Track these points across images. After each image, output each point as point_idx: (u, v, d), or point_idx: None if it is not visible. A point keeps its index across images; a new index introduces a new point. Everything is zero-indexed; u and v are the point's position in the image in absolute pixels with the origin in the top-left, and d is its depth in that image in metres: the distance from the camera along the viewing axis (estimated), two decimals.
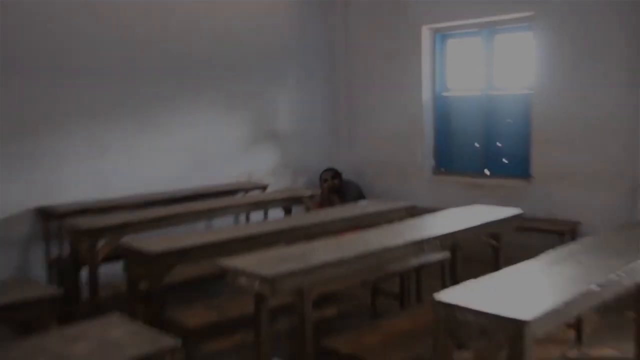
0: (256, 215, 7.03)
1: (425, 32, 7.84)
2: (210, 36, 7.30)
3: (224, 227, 6.24)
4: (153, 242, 4.55)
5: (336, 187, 7.90)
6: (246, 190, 7.29)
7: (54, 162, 6.20)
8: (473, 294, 3.03)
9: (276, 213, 6.88)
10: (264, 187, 7.45)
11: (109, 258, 5.31)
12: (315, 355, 3.73)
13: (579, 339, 5.04)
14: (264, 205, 6.72)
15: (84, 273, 5.47)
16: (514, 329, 2.71)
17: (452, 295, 3.04)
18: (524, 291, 3.14)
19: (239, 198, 6.91)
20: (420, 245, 4.30)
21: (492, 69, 7.48)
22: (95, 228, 5.19)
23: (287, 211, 6.80)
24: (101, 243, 5.24)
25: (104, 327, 2.91)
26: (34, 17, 5.98)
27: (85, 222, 5.37)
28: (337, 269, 3.81)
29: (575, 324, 5.02)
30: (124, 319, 3.01)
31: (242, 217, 7.19)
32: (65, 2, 6.16)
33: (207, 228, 6.85)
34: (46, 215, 6.05)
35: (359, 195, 7.80)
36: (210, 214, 6.19)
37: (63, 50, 6.19)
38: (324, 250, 4.00)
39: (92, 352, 2.62)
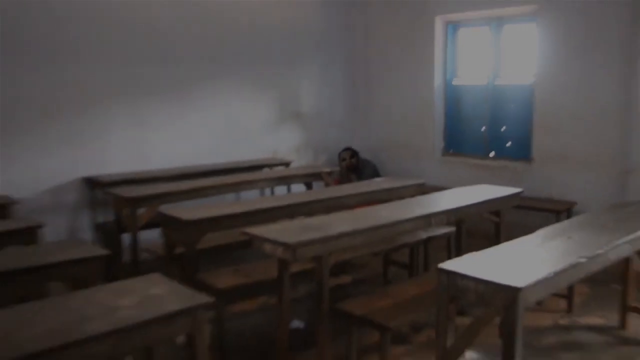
0: (280, 190, 7.06)
1: (438, 22, 7.80)
2: (243, 25, 7.31)
3: (250, 199, 6.33)
4: (188, 210, 4.59)
5: (353, 166, 7.93)
6: (271, 166, 7.33)
7: (101, 137, 6.30)
8: (474, 264, 3.08)
9: (298, 188, 6.90)
10: (287, 164, 7.47)
11: (148, 225, 5.37)
12: (331, 317, 3.77)
13: (569, 308, 5.10)
14: (287, 180, 6.72)
15: (126, 237, 5.59)
16: (508, 295, 2.77)
17: (454, 264, 3.10)
18: (519, 262, 3.18)
19: (264, 173, 6.92)
20: (428, 219, 4.31)
21: (499, 59, 7.45)
22: (137, 197, 5.26)
23: (308, 186, 6.80)
24: (141, 211, 5.31)
25: (146, 284, 2.96)
26: (84, 10, 6.06)
27: (128, 191, 5.42)
28: (352, 239, 3.84)
29: (566, 295, 5.09)
30: (163, 277, 3.06)
31: (267, 191, 7.22)
32: None
33: (236, 199, 6.92)
34: (92, 185, 6.16)
35: (375, 173, 7.81)
36: (239, 186, 6.22)
37: (109, 37, 6.26)
38: (341, 222, 4.01)
39: (137, 304, 2.68)
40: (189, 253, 4.39)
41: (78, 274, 3.49)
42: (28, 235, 4.14)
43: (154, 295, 2.81)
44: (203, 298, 2.78)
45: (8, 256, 3.54)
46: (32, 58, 5.78)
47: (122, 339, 2.50)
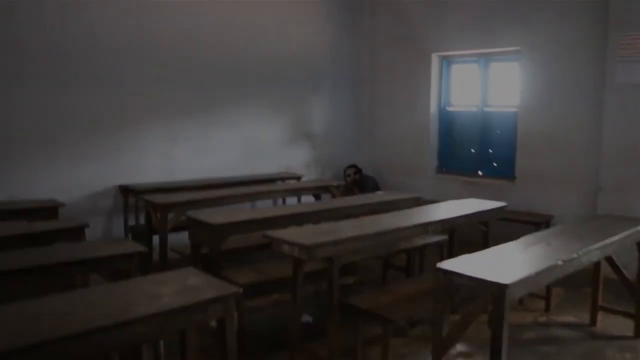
0: (290, 200, 7.12)
1: (435, 58, 7.94)
2: (262, 55, 7.44)
3: (265, 208, 6.42)
4: (213, 215, 4.63)
5: (357, 181, 7.98)
6: (284, 179, 7.41)
7: (135, 150, 6.43)
8: (466, 265, 3.17)
9: (306, 199, 6.97)
10: (298, 177, 7.56)
11: (175, 228, 5.45)
12: (339, 311, 3.82)
13: (547, 308, 5.17)
14: (298, 191, 6.78)
15: (155, 239, 5.66)
16: (497, 290, 2.87)
17: (450, 264, 3.19)
18: (505, 264, 3.26)
19: (278, 185, 7.00)
20: (425, 227, 4.39)
21: (487, 90, 7.57)
22: (167, 203, 5.33)
23: (317, 197, 6.86)
24: (170, 215, 5.36)
25: (182, 276, 3.02)
26: (126, 42, 6.25)
27: (159, 198, 5.50)
28: (359, 242, 3.90)
29: (544, 297, 5.16)
30: (196, 271, 3.13)
31: (279, 201, 7.32)
32: (148, 21, 6.40)
33: (251, 208, 7.02)
34: (126, 192, 6.26)
35: (376, 187, 7.87)
36: (255, 196, 6.27)
37: (146, 66, 6.43)
38: (349, 228, 4.08)
39: (177, 292, 2.75)
40: (214, 253, 4.43)
41: (119, 267, 3.56)
42: (75, 233, 4.24)
43: (191, 285, 2.88)
44: (233, 288, 2.86)
45: (60, 250, 3.62)
46: (79, 82, 5.97)
47: (165, 322, 2.57)
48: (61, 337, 2.29)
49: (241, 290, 2.93)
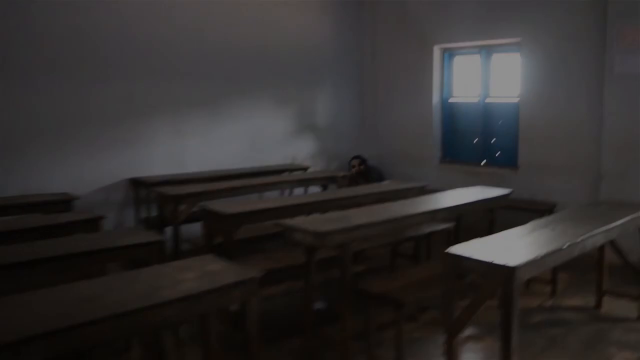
0: (297, 191, 7.12)
1: (436, 50, 7.99)
2: (267, 49, 7.50)
3: (275, 198, 6.46)
4: (226, 205, 4.67)
5: (362, 172, 8.04)
6: (290, 170, 7.45)
7: (145, 144, 6.50)
8: (475, 249, 3.23)
9: (312, 190, 7.02)
10: (305, 169, 7.62)
11: (186, 219, 5.53)
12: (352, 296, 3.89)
13: (553, 293, 5.26)
14: (306, 182, 6.82)
15: (168, 230, 5.74)
16: (506, 273, 2.94)
17: (460, 249, 3.26)
18: (512, 248, 3.32)
19: (285, 176, 7.05)
20: (433, 214, 4.46)
21: (488, 81, 7.63)
22: (179, 195, 5.38)
23: (324, 188, 6.91)
24: (182, 207, 5.42)
25: (202, 263, 3.09)
26: (133, 38, 6.32)
27: (170, 190, 5.55)
28: (370, 229, 3.98)
29: (550, 282, 5.25)
30: (216, 257, 3.19)
31: (286, 192, 7.39)
32: (154, 19, 6.47)
33: (259, 199, 7.08)
34: (137, 185, 6.34)
35: (380, 178, 7.93)
36: (263, 187, 6.32)
37: (154, 61, 6.49)
38: (359, 216, 4.13)
39: (199, 277, 2.83)
40: (228, 242, 4.48)
41: (141, 256, 3.63)
42: (91, 224, 4.32)
43: (212, 271, 2.95)
44: (253, 272, 2.93)
45: (80, 241, 3.68)
46: (90, 77, 6.03)
47: (190, 305, 2.66)
48: (93, 320, 2.37)
49: (260, 275, 2.98)
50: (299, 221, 4.09)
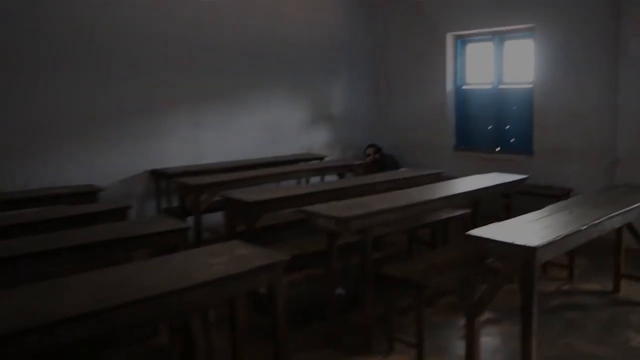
0: (313, 180, 7.21)
1: (449, 37, 8.00)
2: (281, 40, 7.55)
3: (293, 186, 6.49)
4: (248, 194, 4.75)
5: (377, 160, 8.06)
6: (307, 160, 7.50)
7: (165, 136, 6.58)
8: (496, 231, 3.29)
9: (329, 178, 7.07)
10: (322, 158, 7.65)
11: (207, 210, 5.62)
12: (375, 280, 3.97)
13: (571, 277, 5.29)
14: (323, 171, 6.89)
15: (189, 220, 5.78)
16: (527, 253, 3.00)
17: (482, 231, 3.31)
18: (532, 230, 3.36)
19: (302, 165, 7.09)
20: (451, 199, 4.53)
21: (502, 67, 7.63)
22: (200, 184, 5.47)
23: (341, 176, 6.96)
24: (203, 197, 5.51)
25: (230, 248, 3.17)
26: (154, 33, 6.40)
27: (191, 180, 5.62)
28: (390, 214, 4.06)
29: (567, 266, 5.28)
30: (243, 243, 3.27)
31: (302, 181, 7.41)
32: (171, 14, 6.54)
33: (275, 187, 7.14)
34: (158, 176, 6.42)
35: (395, 166, 7.90)
36: (281, 177, 6.39)
37: (173, 55, 6.57)
38: (379, 202, 4.22)
39: (229, 261, 2.92)
40: (250, 230, 4.54)
41: (166, 243, 3.70)
42: (118, 214, 4.41)
43: (240, 255, 3.03)
44: (280, 256, 3.01)
45: (110, 229, 3.76)
46: (111, 72, 6.12)
47: (221, 288, 2.76)
48: (128, 302, 2.45)
49: (288, 258, 3.05)
50: (321, 207, 4.16)
